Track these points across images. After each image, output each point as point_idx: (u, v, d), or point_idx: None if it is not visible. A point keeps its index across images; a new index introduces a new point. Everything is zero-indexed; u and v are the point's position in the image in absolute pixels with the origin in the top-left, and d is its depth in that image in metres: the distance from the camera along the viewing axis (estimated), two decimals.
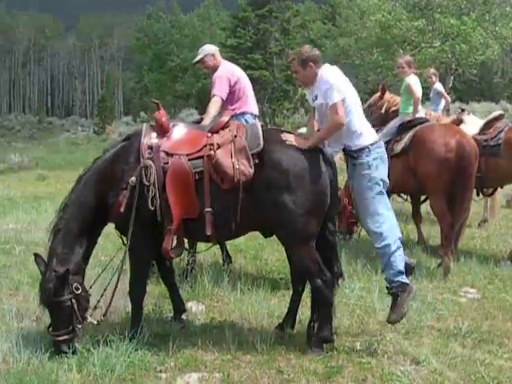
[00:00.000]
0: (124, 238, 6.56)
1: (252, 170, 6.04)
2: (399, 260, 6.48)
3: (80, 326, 6.33)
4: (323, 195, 6.15)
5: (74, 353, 6.16)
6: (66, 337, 6.21)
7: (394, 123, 10.60)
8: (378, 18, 38.73)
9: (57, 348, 6.19)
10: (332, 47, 54.81)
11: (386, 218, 6.59)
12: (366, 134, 6.71)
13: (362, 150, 6.62)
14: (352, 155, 6.71)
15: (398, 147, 10.08)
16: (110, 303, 6.61)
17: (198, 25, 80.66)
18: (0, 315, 7.30)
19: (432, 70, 12.95)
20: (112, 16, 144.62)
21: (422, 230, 11.55)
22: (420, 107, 10.59)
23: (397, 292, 6.41)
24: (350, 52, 49.85)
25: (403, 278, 6.45)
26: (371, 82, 60.09)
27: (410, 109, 10.44)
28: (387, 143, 10.35)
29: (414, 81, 10.45)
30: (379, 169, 6.69)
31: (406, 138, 10.00)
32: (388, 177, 10.29)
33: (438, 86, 12.70)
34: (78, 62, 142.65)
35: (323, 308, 6.24)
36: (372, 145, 6.66)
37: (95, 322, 6.53)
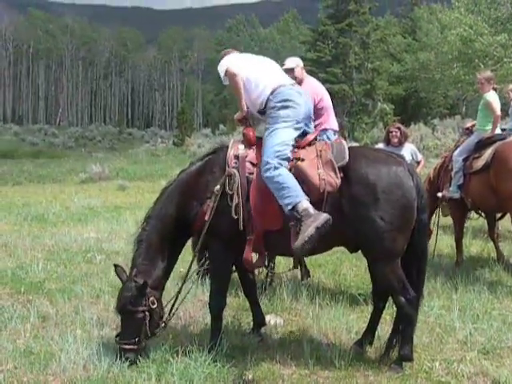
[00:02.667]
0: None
1: (339, 181, 5.99)
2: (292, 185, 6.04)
3: (145, 340, 6.39)
4: (410, 209, 6.04)
5: (133, 364, 6.21)
6: (131, 347, 6.27)
7: (471, 140, 10.43)
8: (460, 32, 38.27)
9: (120, 355, 6.24)
10: (412, 61, 54.48)
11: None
12: (266, 87, 6.55)
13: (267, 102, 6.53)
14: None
15: (478, 164, 9.90)
16: (171, 309, 6.71)
17: (278, 38, 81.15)
18: (81, 323, 7.41)
19: (511, 86, 12.67)
20: (192, 29, 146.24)
21: (503, 249, 11.33)
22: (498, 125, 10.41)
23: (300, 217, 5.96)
24: (430, 66, 49.53)
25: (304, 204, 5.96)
26: (451, 97, 59.51)
27: (489, 126, 10.25)
28: (465, 160, 10.21)
29: (493, 97, 10.27)
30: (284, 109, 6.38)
31: (487, 154, 9.79)
32: (466, 194, 10.21)
33: None
34: (159, 74, 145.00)
35: (405, 326, 6.15)
36: (272, 93, 6.48)
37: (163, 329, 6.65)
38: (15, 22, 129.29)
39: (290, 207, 5.94)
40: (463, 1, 39.96)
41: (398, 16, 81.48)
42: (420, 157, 11.26)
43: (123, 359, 6.17)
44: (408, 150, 10.90)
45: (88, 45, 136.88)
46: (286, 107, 6.35)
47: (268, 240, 6.29)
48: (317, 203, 5.99)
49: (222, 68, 6.71)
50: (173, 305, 6.74)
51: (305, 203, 5.90)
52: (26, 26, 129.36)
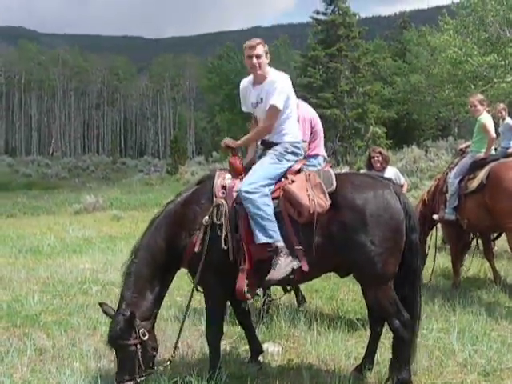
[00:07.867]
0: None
1: (328, 203, 6.03)
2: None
3: (144, 374, 6.25)
4: (399, 231, 6.07)
5: None
6: (128, 383, 6.13)
7: (465, 161, 10.45)
8: (449, 54, 38.37)
9: None
10: (403, 84, 54.64)
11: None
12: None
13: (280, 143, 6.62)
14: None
15: (473, 185, 9.92)
16: (176, 342, 6.64)
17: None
18: (78, 355, 7.38)
19: (502, 105, 12.64)
20: (183, 57, 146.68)
21: (500, 269, 11.29)
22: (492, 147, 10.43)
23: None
24: (421, 88, 49.69)
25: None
26: (443, 119, 59.67)
27: (485, 148, 10.29)
28: (459, 181, 10.23)
29: (487, 119, 10.31)
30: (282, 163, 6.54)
31: (481, 175, 9.83)
32: (461, 214, 10.22)
33: (510, 121, 12.36)
34: (151, 102, 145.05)
35: (401, 349, 6.11)
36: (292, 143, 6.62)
37: (168, 366, 6.55)
38: (6, 53, 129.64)
39: (269, 241, 6.08)
40: (452, 23, 40.09)
41: (387, 39, 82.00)
42: (403, 180, 11.18)
43: None
44: (391, 174, 10.79)
45: (79, 75, 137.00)
46: (296, 154, 6.61)
47: (259, 269, 6.26)
48: (308, 225, 6.03)
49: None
50: (176, 342, 6.70)
51: (282, 243, 6.10)
52: (17, 57, 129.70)
